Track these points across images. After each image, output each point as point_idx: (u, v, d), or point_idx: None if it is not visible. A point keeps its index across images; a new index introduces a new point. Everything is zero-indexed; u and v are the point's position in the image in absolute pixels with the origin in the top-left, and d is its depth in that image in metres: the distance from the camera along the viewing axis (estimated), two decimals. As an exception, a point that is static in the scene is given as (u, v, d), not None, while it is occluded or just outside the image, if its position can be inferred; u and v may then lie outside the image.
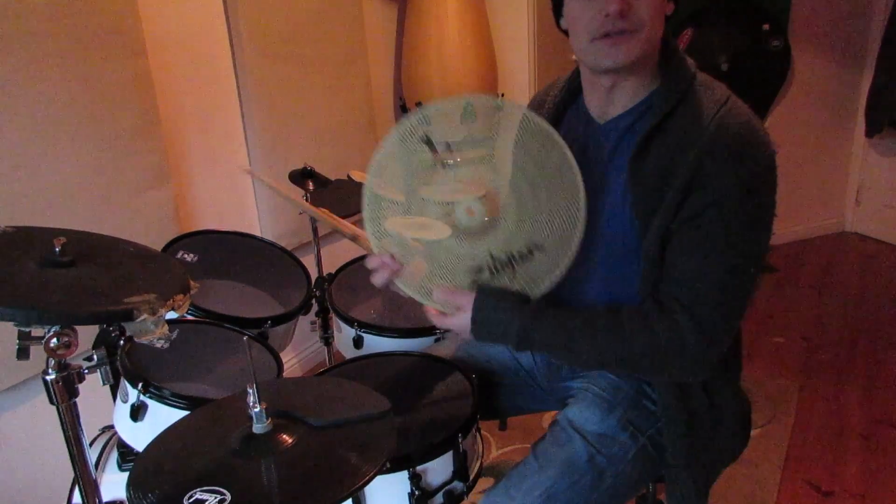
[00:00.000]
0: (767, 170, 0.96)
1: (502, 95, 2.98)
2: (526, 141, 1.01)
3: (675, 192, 0.96)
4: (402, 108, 2.98)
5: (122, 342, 1.21)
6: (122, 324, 0.90)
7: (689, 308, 0.96)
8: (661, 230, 0.98)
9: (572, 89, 1.15)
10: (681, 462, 1.09)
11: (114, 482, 1.27)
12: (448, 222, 1.02)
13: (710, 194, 0.94)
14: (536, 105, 1.21)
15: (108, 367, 1.04)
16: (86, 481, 0.93)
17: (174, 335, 1.34)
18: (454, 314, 1.06)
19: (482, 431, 1.21)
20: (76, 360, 0.89)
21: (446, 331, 1.48)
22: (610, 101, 1.06)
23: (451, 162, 1.02)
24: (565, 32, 1.06)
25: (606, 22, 0.94)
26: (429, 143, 1.02)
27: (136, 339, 1.09)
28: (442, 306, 1.06)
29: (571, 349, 1.01)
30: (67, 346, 0.82)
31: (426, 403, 1.19)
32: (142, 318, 0.83)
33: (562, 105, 1.16)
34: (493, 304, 1.02)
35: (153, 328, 0.84)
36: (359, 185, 1.53)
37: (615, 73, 1.02)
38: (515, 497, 1.05)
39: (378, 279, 1.08)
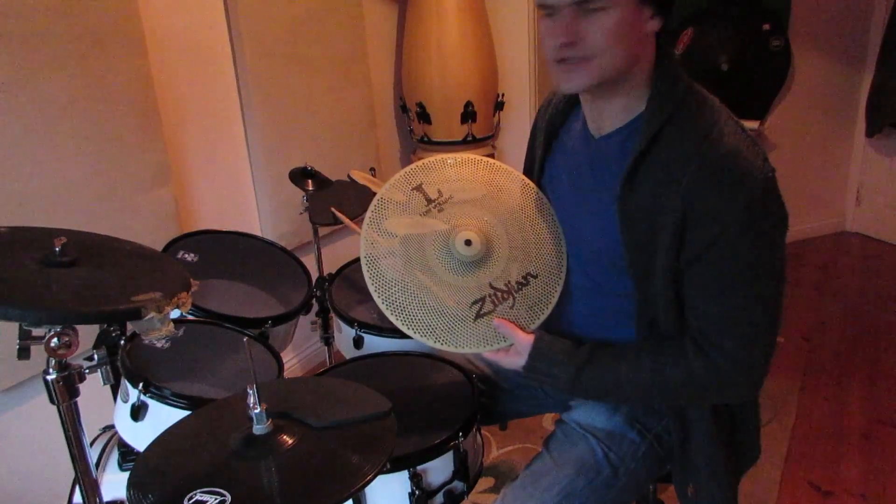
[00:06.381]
0: (765, 193, 0.92)
1: (502, 95, 2.98)
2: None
3: (668, 233, 0.95)
4: (403, 108, 2.98)
5: (122, 342, 1.21)
6: (130, 322, 0.90)
7: (721, 345, 0.96)
8: (668, 272, 0.97)
9: (573, 99, 1.14)
10: (709, 466, 1.08)
11: (114, 482, 1.28)
12: (448, 254, 1.10)
13: (710, 232, 0.92)
14: (542, 110, 1.21)
15: (108, 367, 1.03)
16: (86, 481, 0.93)
17: (179, 333, 1.34)
18: (510, 354, 1.07)
19: (482, 431, 1.21)
20: (77, 359, 0.89)
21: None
22: (600, 116, 1.05)
23: (444, 205, 1.12)
24: None
25: (560, 49, 0.96)
26: (420, 190, 1.13)
27: (142, 337, 1.09)
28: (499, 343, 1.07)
29: (618, 394, 1.04)
30: (68, 345, 0.82)
31: (426, 403, 1.19)
32: (149, 316, 0.83)
33: (561, 115, 1.15)
34: (547, 347, 1.04)
35: (160, 326, 0.84)
36: (359, 185, 1.53)
37: (589, 94, 1.02)
38: (534, 495, 1.04)
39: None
